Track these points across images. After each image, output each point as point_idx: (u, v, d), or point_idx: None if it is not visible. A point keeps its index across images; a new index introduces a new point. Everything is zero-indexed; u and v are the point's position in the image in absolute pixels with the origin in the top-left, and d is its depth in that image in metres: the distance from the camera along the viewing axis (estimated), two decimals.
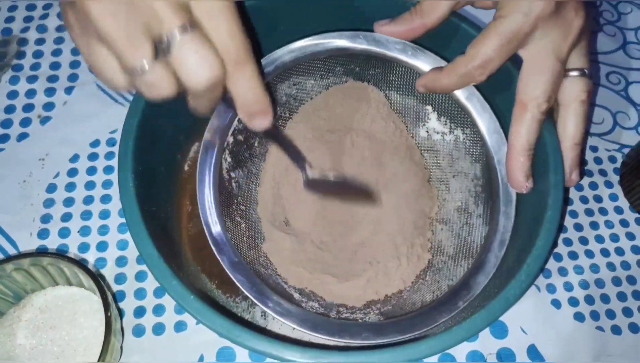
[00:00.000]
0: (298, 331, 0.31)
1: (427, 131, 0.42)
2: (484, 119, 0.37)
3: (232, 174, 0.38)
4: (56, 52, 0.50)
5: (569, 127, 0.36)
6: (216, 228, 0.34)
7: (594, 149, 0.48)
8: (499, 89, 0.37)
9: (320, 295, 0.37)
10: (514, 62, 0.35)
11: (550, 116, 0.36)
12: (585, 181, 0.47)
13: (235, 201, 0.38)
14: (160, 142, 0.39)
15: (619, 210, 0.46)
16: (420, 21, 0.36)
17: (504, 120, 0.37)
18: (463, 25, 0.38)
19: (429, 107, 0.41)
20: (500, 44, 0.33)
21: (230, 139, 0.37)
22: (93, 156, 0.45)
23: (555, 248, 0.44)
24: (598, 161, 0.48)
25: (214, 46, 0.26)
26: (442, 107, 0.40)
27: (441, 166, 0.42)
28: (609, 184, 0.47)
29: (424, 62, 0.37)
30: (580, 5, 0.34)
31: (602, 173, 0.47)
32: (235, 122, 0.37)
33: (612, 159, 0.48)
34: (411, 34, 0.37)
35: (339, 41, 0.38)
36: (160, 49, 0.25)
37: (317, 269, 0.38)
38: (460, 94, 0.37)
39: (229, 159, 0.37)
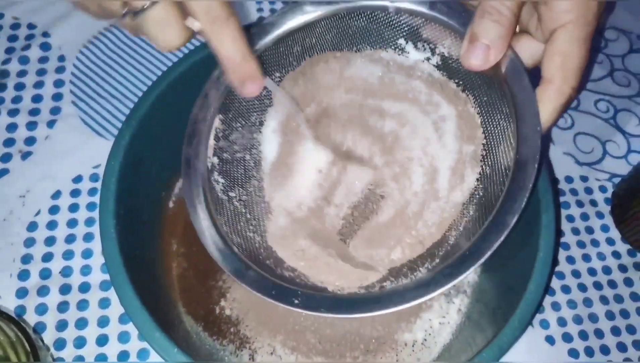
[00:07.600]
0: None
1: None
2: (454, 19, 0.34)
3: (231, 194, 0.36)
4: (38, 85, 0.49)
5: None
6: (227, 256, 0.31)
7: (584, 179, 0.48)
8: None
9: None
10: None
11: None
12: (577, 211, 0.46)
13: (244, 218, 0.35)
14: (144, 182, 0.38)
15: (610, 242, 0.45)
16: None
17: None
18: None
19: (402, 41, 0.37)
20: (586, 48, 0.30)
21: (215, 159, 0.35)
22: (75, 193, 0.44)
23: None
24: (588, 191, 0.48)
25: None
26: (412, 31, 0.36)
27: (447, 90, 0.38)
28: (600, 215, 0.47)
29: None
30: None
31: (593, 203, 0.47)
32: (212, 140, 0.35)
33: (603, 189, 0.48)
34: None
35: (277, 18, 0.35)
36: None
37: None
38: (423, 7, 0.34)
39: (221, 181, 0.35)
